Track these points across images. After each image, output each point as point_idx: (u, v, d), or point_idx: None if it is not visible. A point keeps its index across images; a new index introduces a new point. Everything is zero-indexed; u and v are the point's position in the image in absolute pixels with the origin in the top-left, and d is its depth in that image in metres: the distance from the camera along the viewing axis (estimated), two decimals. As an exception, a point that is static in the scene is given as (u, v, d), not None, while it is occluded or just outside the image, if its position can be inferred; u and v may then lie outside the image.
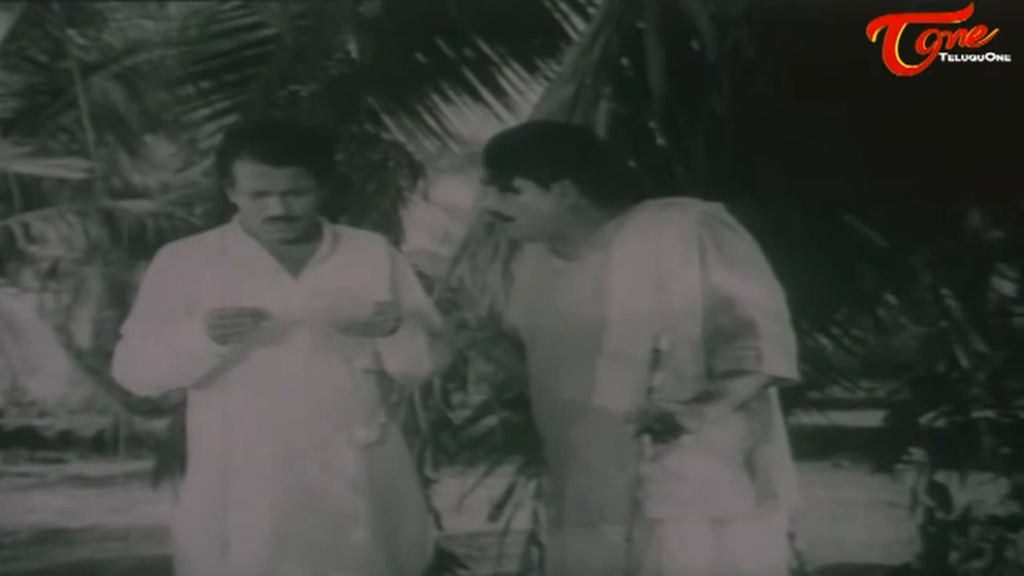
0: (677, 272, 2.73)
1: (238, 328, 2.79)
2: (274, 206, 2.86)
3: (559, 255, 2.88)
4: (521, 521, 4.84)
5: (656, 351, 2.62)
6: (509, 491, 4.78)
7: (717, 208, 2.82)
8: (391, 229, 6.39)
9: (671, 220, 2.78)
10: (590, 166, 2.84)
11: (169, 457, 5.37)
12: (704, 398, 2.66)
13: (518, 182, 2.80)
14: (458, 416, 5.01)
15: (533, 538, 4.80)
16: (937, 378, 4.99)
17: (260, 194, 2.86)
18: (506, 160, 2.83)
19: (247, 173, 2.86)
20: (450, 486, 4.95)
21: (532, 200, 2.80)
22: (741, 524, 2.74)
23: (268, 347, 2.88)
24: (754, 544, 2.75)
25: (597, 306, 2.78)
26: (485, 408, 4.90)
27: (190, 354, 2.84)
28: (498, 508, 4.78)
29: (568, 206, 2.81)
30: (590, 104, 4.30)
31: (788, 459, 2.84)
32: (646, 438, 2.61)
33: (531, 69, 5.76)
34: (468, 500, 4.88)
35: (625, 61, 4.42)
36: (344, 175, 5.81)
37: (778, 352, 2.72)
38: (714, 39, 4.19)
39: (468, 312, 4.39)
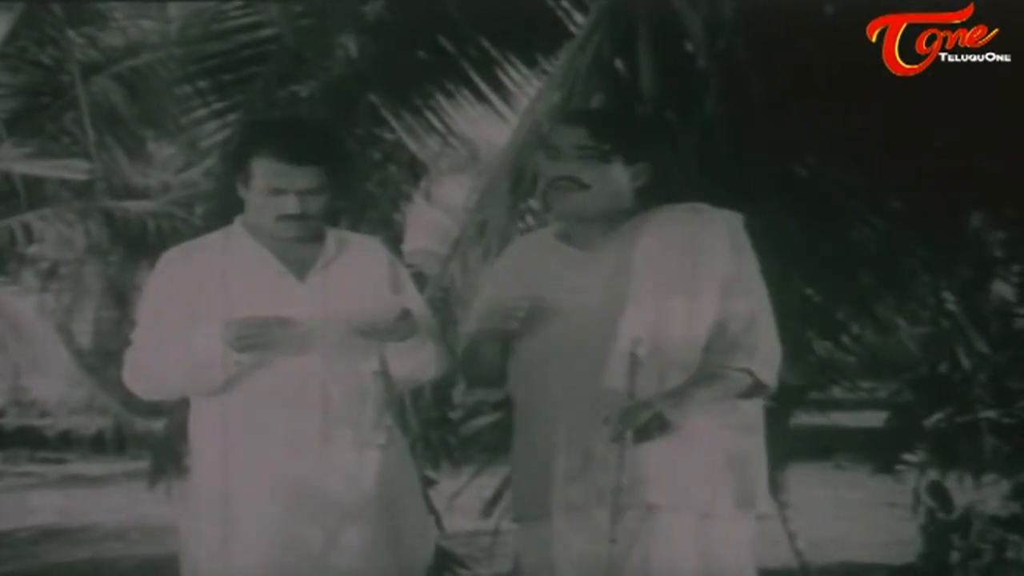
0: (698, 275, 2.81)
1: (264, 338, 2.79)
2: (290, 204, 2.84)
3: (571, 243, 2.91)
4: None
5: (633, 355, 2.71)
6: (500, 490, 4.77)
7: (737, 218, 2.90)
8: (391, 229, 6.37)
9: (697, 225, 2.86)
10: (665, 156, 2.96)
11: (165, 457, 5.36)
12: (686, 390, 2.75)
13: (615, 153, 2.84)
14: (454, 416, 5.00)
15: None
16: (939, 379, 5.00)
17: (277, 191, 2.85)
18: (618, 130, 2.89)
19: (265, 170, 2.84)
20: (451, 486, 4.94)
21: (615, 173, 2.85)
22: (720, 522, 2.81)
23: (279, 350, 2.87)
24: (728, 544, 2.82)
25: (612, 298, 2.82)
26: (476, 409, 4.90)
27: (207, 362, 2.82)
28: (490, 506, 4.78)
29: (635, 188, 2.86)
30: (582, 106, 4.30)
31: (764, 466, 2.89)
32: (628, 434, 2.69)
33: (533, 66, 5.75)
34: (467, 500, 4.88)
35: (618, 63, 4.42)
36: (357, 177, 5.79)
37: (766, 359, 2.82)
38: (705, 41, 4.20)
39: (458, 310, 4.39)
